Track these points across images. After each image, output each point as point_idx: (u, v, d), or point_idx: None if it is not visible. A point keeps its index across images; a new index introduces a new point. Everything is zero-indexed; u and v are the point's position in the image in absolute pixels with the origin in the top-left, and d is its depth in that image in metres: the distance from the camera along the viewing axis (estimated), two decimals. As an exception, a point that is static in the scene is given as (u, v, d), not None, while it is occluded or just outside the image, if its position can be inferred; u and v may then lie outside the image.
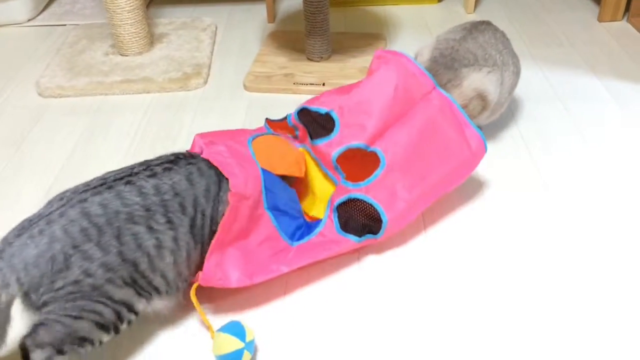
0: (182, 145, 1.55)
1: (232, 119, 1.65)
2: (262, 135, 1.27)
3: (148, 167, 1.02)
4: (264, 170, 1.16)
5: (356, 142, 1.25)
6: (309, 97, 1.70)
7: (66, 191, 0.98)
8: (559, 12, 2.15)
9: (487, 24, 1.46)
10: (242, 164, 1.12)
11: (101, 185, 0.97)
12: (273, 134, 1.32)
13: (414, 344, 1.03)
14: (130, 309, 0.95)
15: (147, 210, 0.96)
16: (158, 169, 1.02)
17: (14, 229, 0.92)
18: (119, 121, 1.66)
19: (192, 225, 1.01)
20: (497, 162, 1.44)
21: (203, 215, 1.03)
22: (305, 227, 1.23)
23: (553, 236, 1.24)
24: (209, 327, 1.04)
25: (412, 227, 1.26)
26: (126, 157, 1.51)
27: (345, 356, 1.02)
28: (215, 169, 1.08)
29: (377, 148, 1.23)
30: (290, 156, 1.26)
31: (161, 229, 0.97)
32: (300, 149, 1.32)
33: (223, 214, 1.05)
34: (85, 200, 0.94)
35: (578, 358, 1.00)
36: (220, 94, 1.77)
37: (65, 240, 0.89)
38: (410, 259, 1.20)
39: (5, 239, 0.91)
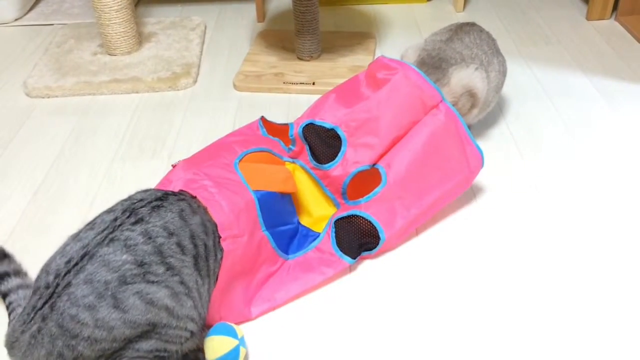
0: (172, 145, 1.54)
1: (221, 118, 1.64)
2: (247, 153, 1.22)
3: (132, 212, 0.92)
4: (256, 192, 1.12)
5: (364, 165, 1.24)
6: (299, 96, 1.71)
7: (50, 266, 0.89)
8: (547, 11, 2.16)
9: (471, 25, 1.48)
10: (232, 195, 1.06)
11: (83, 256, 0.87)
12: (255, 150, 1.25)
13: (407, 347, 1.03)
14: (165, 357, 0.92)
15: (141, 264, 0.87)
16: (144, 211, 0.92)
17: (18, 321, 0.87)
18: (107, 121, 1.64)
19: (196, 262, 0.94)
20: (486, 161, 1.44)
21: (206, 247, 0.96)
22: (300, 234, 1.22)
23: (543, 235, 1.24)
24: None
25: (403, 226, 1.26)
26: (115, 158, 1.50)
27: (338, 359, 1.02)
28: (204, 208, 1.00)
29: (380, 165, 1.22)
30: (279, 173, 1.24)
31: (162, 278, 0.88)
32: (289, 164, 1.30)
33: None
34: (69, 284, 0.85)
35: (570, 358, 1.00)
36: (210, 93, 1.76)
37: (63, 334, 0.84)
38: (402, 262, 1.20)
39: (12, 333, 0.87)
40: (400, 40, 2.00)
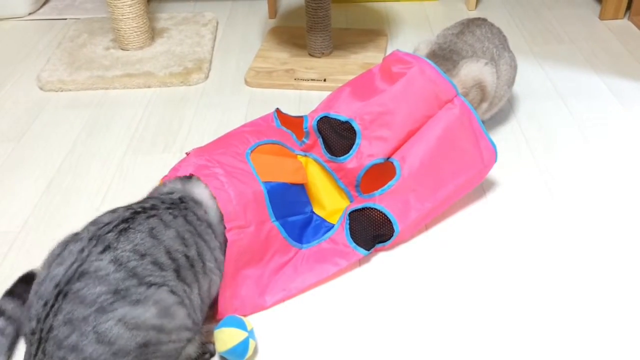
0: (183, 139, 1.54)
1: (233, 114, 1.65)
2: (260, 145, 1.23)
3: (99, 240, 0.87)
4: (266, 183, 1.13)
5: (379, 158, 1.24)
6: (310, 92, 1.72)
7: (31, 312, 0.85)
8: (560, 10, 2.15)
9: (483, 19, 1.48)
10: (241, 185, 1.08)
11: (57, 296, 0.83)
12: (268, 142, 1.26)
13: (415, 341, 1.04)
14: None
15: (116, 292, 0.83)
16: (111, 237, 0.87)
17: None
18: (120, 115, 1.65)
19: (179, 274, 0.90)
20: (498, 159, 1.44)
21: (187, 257, 0.93)
22: (314, 223, 1.23)
23: (554, 235, 1.24)
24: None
25: (413, 223, 1.27)
26: (127, 152, 1.51)
27: (347, 353, 1.02)
28: (184, 216, 0.97)
29: (395, 158, 1.23)
30: (290, 165, 1.25)
31: (148, 294, 0.85)
32: (301, 157, 1.30)
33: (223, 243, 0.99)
34: (52, 328, 0.82)
35: (579, 357, 1.00)
36: (221, 89, 1.77)
37: None
38: (411, 257, 1.20)
39: None
40: (411, 37, 2.00)
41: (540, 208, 1.30)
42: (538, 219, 1.27)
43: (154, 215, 0.92)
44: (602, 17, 2.06)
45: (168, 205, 0.97)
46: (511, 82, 1.47)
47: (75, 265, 0.84)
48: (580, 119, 1.58)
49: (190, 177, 1.05)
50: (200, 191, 1.03)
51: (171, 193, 1.01)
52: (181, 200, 0.99)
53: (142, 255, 0.86)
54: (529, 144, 1.50)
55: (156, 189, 1.06)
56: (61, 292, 0.83)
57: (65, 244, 0.89)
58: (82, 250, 0.86)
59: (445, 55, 1.39)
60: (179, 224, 0.94)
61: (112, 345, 0.81)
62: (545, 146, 1.49)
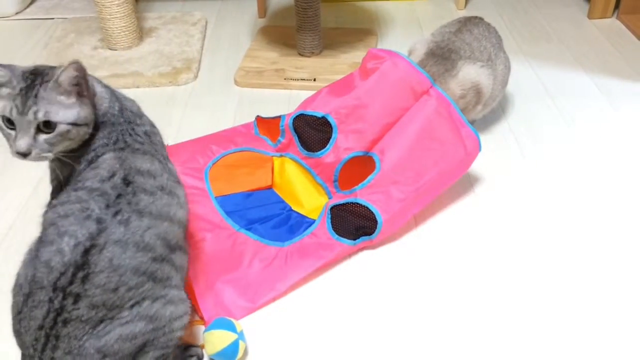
0: (172, 139, 1.53)
1: (222, 114, 1.64)
2: (224, 155, 1.31)
3: (66, 292, 0.80)
4: (224, 197, 1.21)
5: (356, 152, 1.25)
6: (300, 92, 1.71)
7: None
8: (549, 9, 2.16)
9: (480, 18, 1.48)
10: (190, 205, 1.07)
11: (47, 341, 0.81)
12: (234, 151, 1.34)
13: (407, 339, 1.03)
14: None
15: (102, 321, 0.81)
16: (76, 288, 0.80)
17: None
18: (107, 116, 1.64)
19: (155, 279, 0.86)
20: (487, 158, 1.44)
21: (154, 259, 0.86)
22: (294, 220, 1.23)
23: (543, 232, 1.24)
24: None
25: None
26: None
27: (337, 353, 1.02)
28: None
29: (374, 152, 1.24)
30: (250, 174, 1.30)
31: (131, 317, 0.83)
32: (277, 158, 1.33)
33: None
34: None
35: (571, 353, 1.00)
36: (211, 88, 1.76)
37: None
38: (402, 255, 1.20)
39: None
40: (401, 37, 2.00)
41: (528, 205, 1.31)
42: (526, 216, 1.28)
43: (95, 255, 0.81)
44: (590, 16, 2.07)
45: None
46: (505, 82, 1.48)
47: (52, 315, 0.80)
48: (569, 117, 1.59)
49: None
50: None
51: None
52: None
53: (115, 290, 0.81)
54: (518, 142, 1.50)
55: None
56: (49, 337, 0.80)
57: (28, 294, 0.82)
58: (51, 300, 0.80)
59: (443, 55, 1.38)
60: (134, 225, 0.84)
61: (116, 354, 0.82)
62: (534, 144, 1.49)
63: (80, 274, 0.80)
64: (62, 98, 0.83)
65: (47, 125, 0.82)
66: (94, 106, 0.87)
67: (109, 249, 0.80)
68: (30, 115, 0.81)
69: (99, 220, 0.81)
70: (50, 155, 0.84)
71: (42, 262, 0.81)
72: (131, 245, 0.82)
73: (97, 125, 0.88)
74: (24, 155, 0.83)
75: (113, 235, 0.81)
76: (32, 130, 0.82)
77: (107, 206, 0.82)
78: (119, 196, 0.83)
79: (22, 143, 0.82)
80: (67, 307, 0.80)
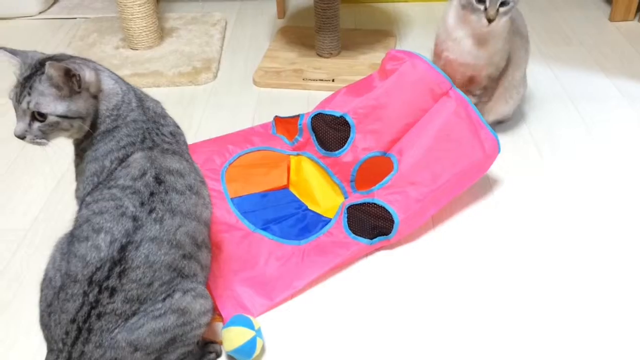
0: (192, 139, 1.54)
1: (241, 113, 1.65)
2: (241, 155, 1.33)
3: (102, 287, 0.83)
4: (240, 198, 1.22)
5: (374, 152, 1.25)
6: (318, 92, 1.72)
7: None
8: (569, 11, 2.14)
9: None
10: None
11: (78, 334, 0.84)
12: (251, 151, 1.36)
13: (422, 339, 1.04)
14: None
15: (134, 314, 0.84)
16: (113, 282, 0.83)
17: None
18: (128, 114, 1.66)
19: (183, 275, 0.89)
20: (506, 160, 1.44)
21: (184, 255, 0.89)
22: (311, 219, 1.24)
23: (562, 236, 1.23)
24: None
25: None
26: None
27: (354, 351, 1.02)
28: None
29: (392, 153, 1.24)
30: (266, 175, 1.31)
31: (163, 311, 0.85)
32: (294, 157, 1.34)
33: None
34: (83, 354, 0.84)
35: (585, 353, 1.00)
36: (230, 88, 1.77)
37: None
38: (419, 255, 1.20)
39: None
40: (420, 38, 2.00)
41: (547, 209, 1.30)
42: (545, 220, 1.27)
43: (141, 240, 0.84)
44: (612, 18, 2.05)
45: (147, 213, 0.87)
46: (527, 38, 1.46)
47: (86, 309, 0.83)
48: (589, 121, 1.57)
49: None
50: None
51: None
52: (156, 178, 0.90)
53: (149, 284, 0.84)
54: (537, 145, 1.49)
55: None
56: (81, 331, 0.83)
57: (60, 287, 0.86)
58: (85, 294, 0.83)
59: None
60: (167, 223, 0.87)
61: (147, 348, 0.84)
62: (553, 148, 1.48)
63: (117, 269, 0.82)
64: (54, 91, 0.86)
65: (41, 115, 0.86)
66: (98, 101, 0.90)
67: (145, 245, 0.84)
68: (24, 104, 0.86)
69: (134, 218, 0.84)
70: (45, 141, 0.90)
71: (77, 257, 0.84)
72: (165, 242, 0.85)
73: (105, 119, 0.91)
74: (21, 138, 0.88)
75: (149, 233, 0.84)
76: (27, 118, 0.87)
77: (142, 204, 0.85)
78: (152, 194, 0.86)
79: (18, 128, 0.87)
80: (102, 301, 0.82)
